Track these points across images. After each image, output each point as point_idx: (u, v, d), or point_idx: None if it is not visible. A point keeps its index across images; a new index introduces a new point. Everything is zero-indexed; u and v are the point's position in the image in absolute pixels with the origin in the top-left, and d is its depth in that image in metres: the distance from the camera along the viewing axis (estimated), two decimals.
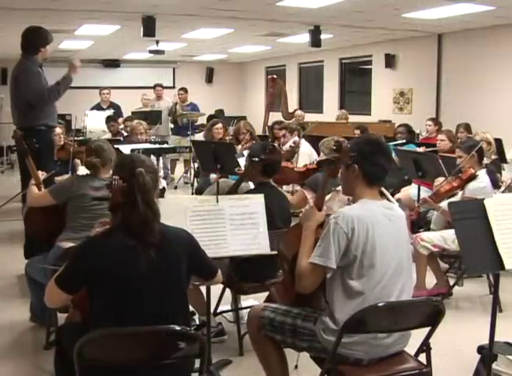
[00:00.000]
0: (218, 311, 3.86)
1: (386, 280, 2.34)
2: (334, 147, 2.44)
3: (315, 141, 6.39)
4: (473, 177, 4.37)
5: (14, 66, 4.93)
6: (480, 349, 2.96)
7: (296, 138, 6.82)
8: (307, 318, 2.49)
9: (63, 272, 2.18)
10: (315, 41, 9.13)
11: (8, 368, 3.33)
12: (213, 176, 6.53)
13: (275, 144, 5.18)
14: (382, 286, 2.33)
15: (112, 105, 9.76)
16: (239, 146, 6.57)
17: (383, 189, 2.53)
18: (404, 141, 6.85)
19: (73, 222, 3.64)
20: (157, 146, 6.44)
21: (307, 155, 6.69)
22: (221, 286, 3.59)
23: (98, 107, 9.71)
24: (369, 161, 2.42)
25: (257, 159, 3.64)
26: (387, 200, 2.50)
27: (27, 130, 4.75)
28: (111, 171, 3.77)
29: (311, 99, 13.72)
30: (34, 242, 4.12)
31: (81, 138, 7.67)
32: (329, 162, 2.47)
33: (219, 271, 2.50)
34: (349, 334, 2.26)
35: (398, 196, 5.77)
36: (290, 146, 6.80)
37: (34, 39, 4.84)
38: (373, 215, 2.36)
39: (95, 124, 8.90)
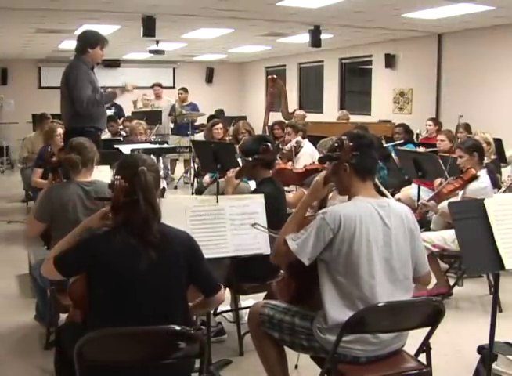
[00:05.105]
0: (218, 311, 3.86)
1: (375, 279, 2.32)
2: (336, 145, 2.44)
3: (315, 141, 6.39)
4: (474, 178, 4.36)
5: (66, 66, 5.07)
6: (480, 349, 2.96)
7: (299, 138, 6.81)
8: (304, 317, 2.49)
9: (62, 255, 2.22)
10: (315, 41, 9.12)
11: (8, 368, 3.34)
12: (206, 179, 6.52)
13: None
14: (371, 285, 2.31)
15: (114, 105, 9.76)
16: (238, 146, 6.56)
17: (377, 181, 2.52)
18: (402, 141, 6.84)
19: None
20: (157, 146, 6.44)
21: (309, 155, 6.67)
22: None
23: None
24: (364, 155, 2.43)
25: (250, 159, 3.66)
26: (384, 196, 2.49)
27: (76, 130, 4.72)
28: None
29: (311, 99, 13.71)
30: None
31: None
32: (330, 159, 2.48)
33: (222, 289, 2.42)
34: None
35: (398, 196, 5.79)
36: (293, 146, 6.78)
37: (82, 40, 5.11)
38: (365, 213, 2.35)
39: None
